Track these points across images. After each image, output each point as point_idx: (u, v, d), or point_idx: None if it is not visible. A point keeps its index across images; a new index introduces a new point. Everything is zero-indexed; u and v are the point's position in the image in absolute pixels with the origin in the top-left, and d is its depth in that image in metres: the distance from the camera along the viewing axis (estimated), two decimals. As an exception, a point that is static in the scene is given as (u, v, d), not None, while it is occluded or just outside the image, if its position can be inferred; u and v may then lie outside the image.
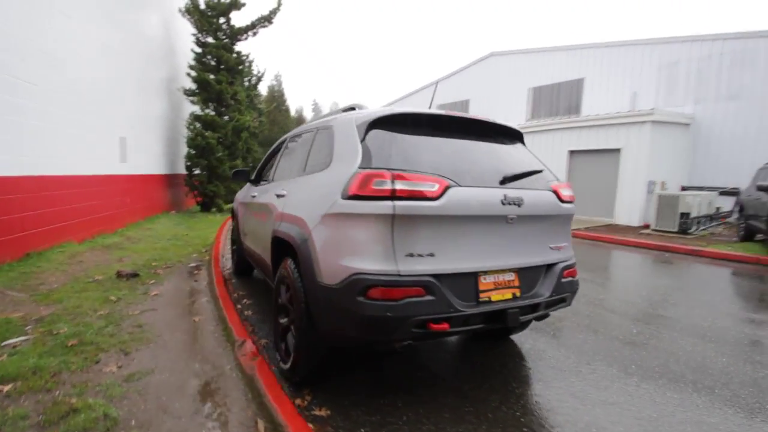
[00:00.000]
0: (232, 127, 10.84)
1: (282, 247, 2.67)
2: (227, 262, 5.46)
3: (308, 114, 49.50)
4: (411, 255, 1.92)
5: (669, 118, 13.24)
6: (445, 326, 1.92)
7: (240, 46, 11.41)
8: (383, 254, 1.89)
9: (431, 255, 1.95)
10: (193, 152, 10.45)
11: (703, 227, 10.14)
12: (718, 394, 2.47)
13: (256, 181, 4.38)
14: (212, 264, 5.12)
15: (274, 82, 32.45)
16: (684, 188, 13.33)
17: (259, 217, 3.40)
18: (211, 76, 10.61)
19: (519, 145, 2.68)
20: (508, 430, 2.04)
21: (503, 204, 2.12)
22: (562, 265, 2.44)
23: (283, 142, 3.78)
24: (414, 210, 1.89)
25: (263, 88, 29.79)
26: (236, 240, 4.80)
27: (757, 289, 5.18)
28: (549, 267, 2.39)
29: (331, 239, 2.03)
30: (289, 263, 2.42)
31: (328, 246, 2.03)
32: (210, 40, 10.87)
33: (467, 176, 2.10)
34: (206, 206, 11.27)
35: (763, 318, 3.90)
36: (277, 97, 30.23)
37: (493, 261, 2.14)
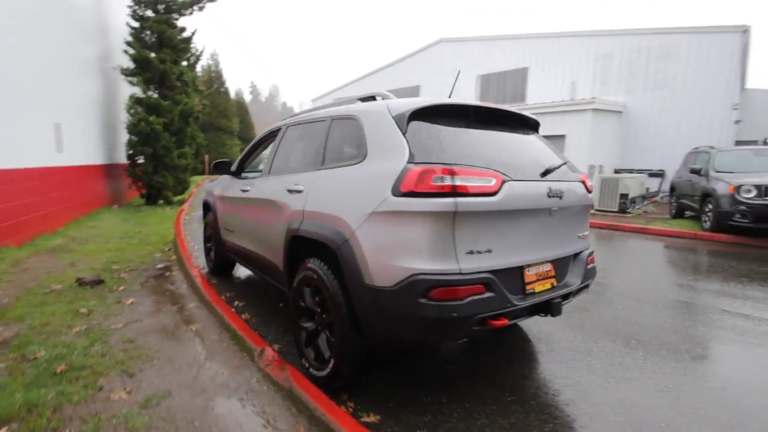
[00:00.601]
0: (180, 111, 9.91)
1: (304, 247, 2.50)
2: (198, 261, 5.03)
3: (247, 97, 46.86)
4: (471, 252, 1.87)
5: (606, 107, 14.33)
6: (504, 322, 1.91)
7: (183, 22, 10.35)
8: (444, 253, 1.82)
9: (489, 251, 1.92)
10: (136, 139, 9.43)
11: (638, 206, 11.19)
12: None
13: (237, 174, 4.05)
14: (186, 264, 4.69)
15: (210, 62, 30.25)
16: (617, 171, 14.63)
17: (260, 213, 3.14)
18: (152, 55, 9.56)
19: (536, 135, 2.71)
20: (555, 415, 2.10)
21: (548, 197, 2.14)
22: (586, 252, 2.54)
23: (274, 132, 3.50)
24: (475, 206, 1.84)
25: (199, 69, 27.70)
26: (213, 237, 4.43)
27: (705, 260, 5.84)
28: (576, 255, 2.47)
29: (382, 239, 1.91)
30: (317, 264, 2.27)
31: (379, 246, 1.92)
32: (149, 13, 9.76)
33: (515, 170, 2.07)
34: (152, 199, 10.31)
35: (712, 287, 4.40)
36: (215, 78, 28.23)
37: (535, 253, 2.16)
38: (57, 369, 2.26)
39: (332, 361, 2.16)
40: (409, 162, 1.91)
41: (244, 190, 3.52)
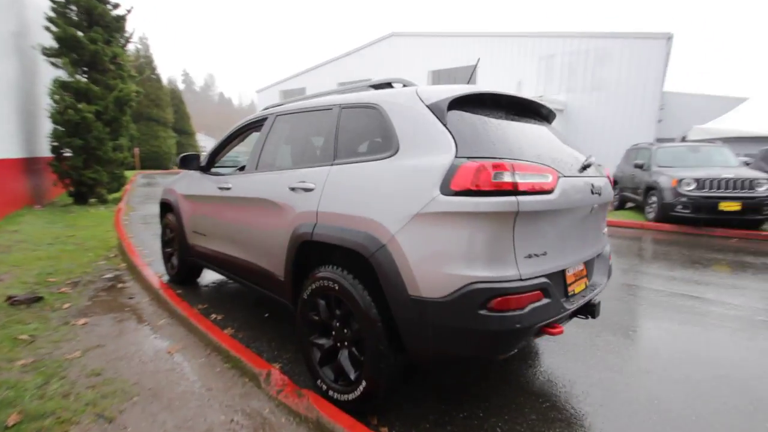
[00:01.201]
0: (114, 99, 8.77)
1: (317, 253, 2.20)
2: (156, 268, 4.42)
3: (180, 86, 43.52)
4: (530, 256, 1.70)
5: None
6: (561, 329, 1.77)
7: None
8: (504, 258, 1.64)
9: (544, 254, 1.77)
10: (62, 130, 8.19)
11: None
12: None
13: (208, 169, 3.58)
14: (141, 272, 4.09)
15: (140, 46, 27.61)
16: (562, 166, 15.54)
17: (248, 215, 2.74)
18: (80, 33, 8.34)
19: (549, 127, 2.61)
20: (599, 420, 2.03)
21: (592, 193, 2.04)
22: (608, 249, 2.50)
23: (256, 122, 3.10)
24: (536, 206, 1.67)
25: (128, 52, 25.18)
26: (176, 241, 3.89)
27: (655, 247, 6.27)
28: (599, 253, 2.42)
29: (430, 243, 1.68)
30: (338, 274, 1.99)
31: (427, 252, 1.69)
32: (74, -15, 8.48)
33: (559, 164, 1.94)
34: (82, 197, 9.07)
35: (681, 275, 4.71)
36: (145, 63, 25.79)
37: (576, 253, 2.05)
38: (7, 421, 1.76)
39: (363, 382, 1.90)
40: (459, 156, 1.70)
41: (223, 188, 3.08)
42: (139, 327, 2.97)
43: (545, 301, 1.72)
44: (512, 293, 1.62)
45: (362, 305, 1.87)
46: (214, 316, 3.25)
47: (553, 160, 1.91)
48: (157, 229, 7.29)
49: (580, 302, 1.98)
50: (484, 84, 18.63)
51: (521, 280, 1.66)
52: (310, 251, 2.25)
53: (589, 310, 2.06)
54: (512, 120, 2.06)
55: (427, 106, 1.90)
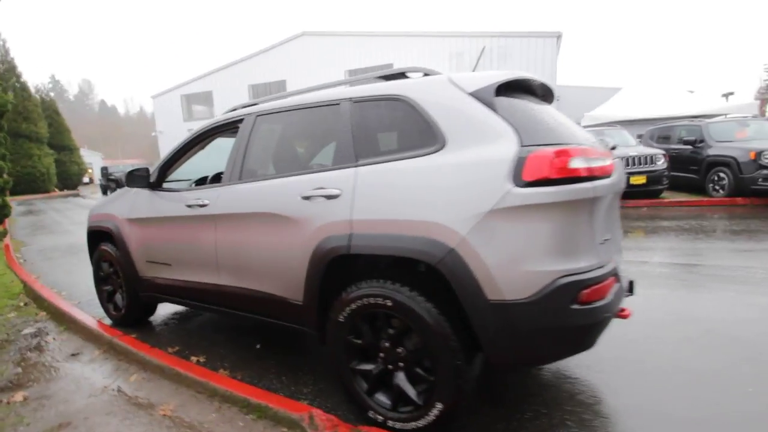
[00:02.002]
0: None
1: (352, 268, 1.94)
2: (88, 311, 3.62)
3: (51, 94, 37.72)
4: (603, 242, 1.67)
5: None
6: (629, 313, 1.77)
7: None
8: (587, 246, 1.59)
9: (608, 239, 1.74)
10: None
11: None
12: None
13: (158, 185, 3.01)
14: (77, 319, 3.31)
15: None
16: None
17: (241, 234, 2.33)
18: None
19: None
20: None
21: (626, 174, 2.08)
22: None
23: (228, 125, 2.66)
24: (605, 189, 1.64)
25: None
26: (121, 275, 3.22)
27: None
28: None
29: (508, 241, 1.55)
30: (390, 288, 1.76)
31: (505, 250, 1.55)
32: None
33: (600, 147, 1.94)
34: (-54, 237, 7.20)
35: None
36: (8, 71, 21.61)
37: (609, 233, 2.08)
38: None
39: (438, 404, 1.70)
40: (525, 144, 1.59)
41: (194, 206, 2.59)
42: (106, 390, 2.36)
43: (617, 285, 1.71)
44: (598, 282, 1.57)
45: (429, 319, 1.67)
46: (194, 358, 2.73)
47: (594, 143, 1.90)
48: (66, 263, 6.09)
49: (625, 282, 2.02)
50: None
51: (601, 267, 1.61)
52: (345, 266, 1.97)
53: (630, 289, 2.11)
54: (541, 104, 2.01)
55: (470, 95, 1.76)
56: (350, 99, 2.09)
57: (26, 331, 3.32)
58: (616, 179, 1.86)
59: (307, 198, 2.04)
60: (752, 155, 7.44)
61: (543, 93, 2.14)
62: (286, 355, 2.75)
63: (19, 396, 2.30)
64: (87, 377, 2.52)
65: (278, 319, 2.32)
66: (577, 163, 1.54)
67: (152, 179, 2.98)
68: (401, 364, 1.83)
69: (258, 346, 2.91)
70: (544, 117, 1.76)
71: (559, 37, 16.82)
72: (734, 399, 2.00)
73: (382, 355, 1.88)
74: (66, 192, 26.26)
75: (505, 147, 1.61)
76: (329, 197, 1.96)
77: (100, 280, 3.53)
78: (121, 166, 24.41)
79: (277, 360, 2.69)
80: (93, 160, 40.63)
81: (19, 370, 2.64)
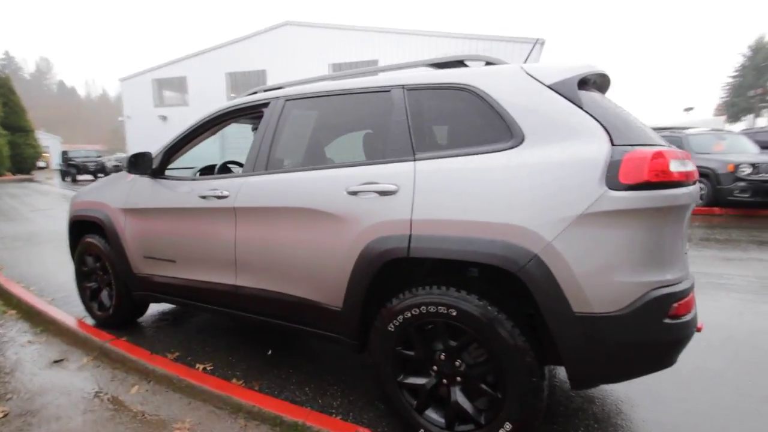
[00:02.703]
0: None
1: (403, 272, 1.79)
2: (67, 310, 3.23)
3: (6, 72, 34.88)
4: (686, 252, 1.56)
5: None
6: (701, 327, 1.68)
7: None
8: (677, 256, 1.50)
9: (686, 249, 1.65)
10: None
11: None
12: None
13: (160, 173, 2.70)
14: (58, 320, 2.93)
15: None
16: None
17: (272, 231, 2.08)
18: None
19: None
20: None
21: None
22: None
23: (250, 108, 2.40)
24: (695, 196, 1.53)
25: None
26: (113, 272, 2.88)
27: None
28: None
29: (599, 248, 1.42)
30: (452, 295, 1.59)
31: (596, 259, 1.42)
32: None
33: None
34: None
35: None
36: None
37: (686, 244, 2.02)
38: None
39: (507, 424, 1.54)
40: (614, 145, 1.46)
41: (210, 197, 2.31)
42: (104, 404, 2.05)
43: (693, 297, 1.62)
44: (687, 295, 1.48)
45: (502, 332, 1.51)
46: (200, 366, 2.45)
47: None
48: (30, 254, 5.51)
49: None
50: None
51: (687, 279, 1.52)
52: (397, 271, 1.78)
53: None
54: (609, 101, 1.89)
55: (549, 87, 1.62)
56: (403, 86, 1.90)
57: (-4, 333, 2.91)
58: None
59: (353, 193, 1.83)
60: (730, 167, 7.73)
61: (604, 87, 2.04)
62: (303, 363, 2.52)
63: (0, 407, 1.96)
64: (78, 389, 2.20)
65: (308, 326, 2.10)
66: (674, 167, 1.43)
67: (154, 165, 2.66)
68: (459, 378, 1.67)
69: (269, 353, 2.66)
70: (625, 114, 1.65)
71: (542, 44, 17.14)
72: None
73: (435, 368, 1.71)
74: (20, 176, 24.37)
75: (595, 146, 1.47)
76: (383, 193, 1.76)
77: (83, 276, 3.15)
78: (83, 151, 22.82)
79: (294, 368, 2.46)
80: (50, 144, 37.94)
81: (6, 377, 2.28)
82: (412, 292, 1.70)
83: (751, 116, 41.72)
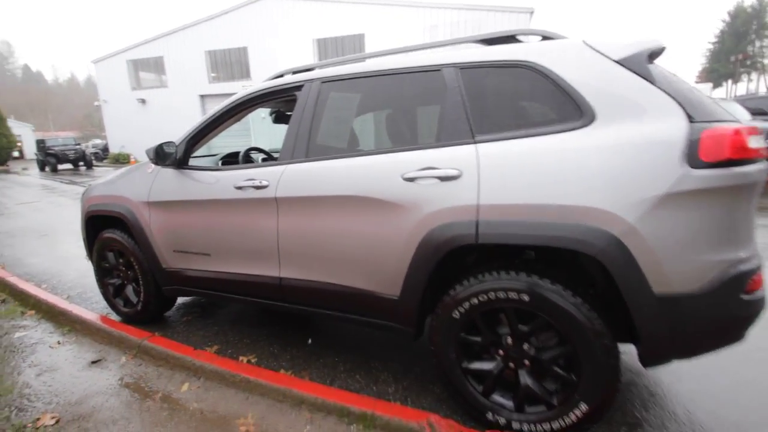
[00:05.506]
0: None
1: (462, 259, 1.76)
2: (88, 306, 3.14)
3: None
4: (755, 227, 1.57)
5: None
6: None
7: None
8: (750, 233, 1.52)
9: None
10: None
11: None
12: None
13: (184, 163, 2.59)
14: (86, 319, 2.85)
15: None
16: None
17: (321, 221, 2.01)
18: None
19: None
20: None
21: None
22: None
23: (281, 91, 2.29)
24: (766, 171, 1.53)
25: None
26: (139, 268, 2.79)
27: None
28: None
29: (681, 228, 1.41)
30: (522, 280, 1.58)
31: (678, 239, 1.41)
32: None
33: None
34: None
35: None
36: None
37: None
38: None
39: (582, 404, 1.57)
40: (697, 121, 1.43)
41: (247, 187, 2.22)
42: (157, 403, 2.01)
43: None
44: (758, 271, 1.50)
45: (579, 316, 1.51)
46: (243, 358, 2.43)
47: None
48: (30, 250, 5.29)
49: None
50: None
51: (757, 255, 1.53)
52: (459, 258, 1.76)
53: None
54: None
55: (617, 62, 1.56)
56: (455, 65, 1.82)
57: (18, 335, 2.81)
58: None
59: (410, 179, 1.77)
60: None
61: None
62: (347, 350, 2.51)
63: (47, 419, 1.91)
64: (125, 389, 2.15)
65: (360, 315, 2.07)
66: (753, 143, 1.41)
67: (178, 155, 2.54)
68: (527, 362, 1.68)
69: (310, 341, 2.64)
70: (696, 89, 1.61)
71: (531, 12, 16.84)
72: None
73: (501, 352, 1.72)
74: (-6, 168, 23.34)
75: (673, 123, 1.44)
76: (444, 178, 1.71)
77: (103, 273, 3.05)
78: (60, 140, 21.79)
79: (340, 356, 2.45)
80: (22, 132, 36.18)
81: (32, 383, 2.21)
82: (478, 279, 1.68)
83: (729, 82, 42.24)
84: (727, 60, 42.60)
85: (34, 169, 22.20)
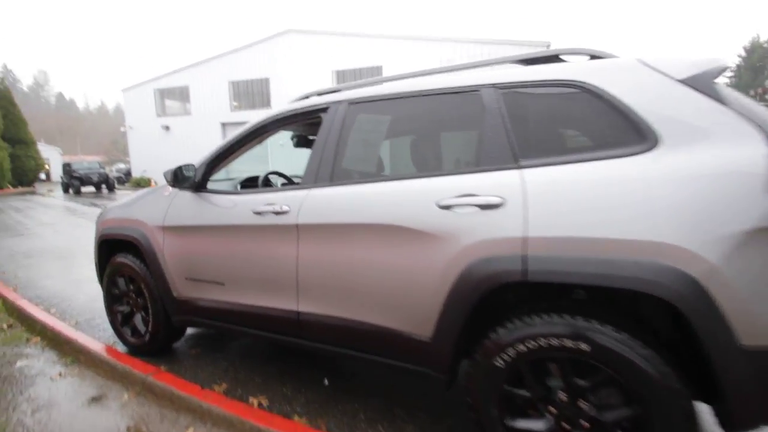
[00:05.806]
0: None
1: (509, 299, 1.59)
2: (92, 334, 2.98)
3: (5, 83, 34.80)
4: None
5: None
6: None
7: None
8: None
9: None
10: None
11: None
12: None
13: (202, 186, 2.48)
14: (91, 349, 2.69)
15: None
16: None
17: (347, 251, 1.84)
18: None
19: None
20: None
21: None
22: None
23: (305, 113, 2.19)
24: None
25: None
26: (149, 296, 2.64)
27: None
28: None
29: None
30: (580, 325, 1.37)
31: (765, 282, 1.19)
32: None
33: None
34: None
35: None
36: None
37: None
38: None
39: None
40: None
41: (267, 213, 2.09)
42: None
43: None
44: None
45: (652, 372, 1.28)
46: (254, 400, 2.21)
47: None
48: (45, 272, 5.24)
49: None
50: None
51: None
52: (502, 297, 1.57)
53: None
54: None
55: (681, 82, 1.40)
56: (494, 85, 1.68)
57: (20, 363, 2.66)
58: None
59: (446, 207, 1.61)
60: None
61: None
62: (368, 395, 2.28)
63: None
64: (124, 432, 1.95)
65: (385, 357, 1.86)
66: None
67: (197, 178, 2.44)
68: (586, 423, 1.43)
69: (326, 382, 2.42)
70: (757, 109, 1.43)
71: (547, 47, 17.04)
72: None
73: (553, 410, 1.48)
74: (21, 189, 24.14)
75: (752, 149, 1.25)
76: (485, 207, 1.53)
77: (113, 299, 2.91)
78: (85, 163, 22.55)
79: (360, 402, 2.22)
80: (50, 155, 37.70)
81: (26, 422, 2.03)
82: (526, 322, 1.47)
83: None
84: (746, 94, 42.34)
85: (59, 191, 22.87)
